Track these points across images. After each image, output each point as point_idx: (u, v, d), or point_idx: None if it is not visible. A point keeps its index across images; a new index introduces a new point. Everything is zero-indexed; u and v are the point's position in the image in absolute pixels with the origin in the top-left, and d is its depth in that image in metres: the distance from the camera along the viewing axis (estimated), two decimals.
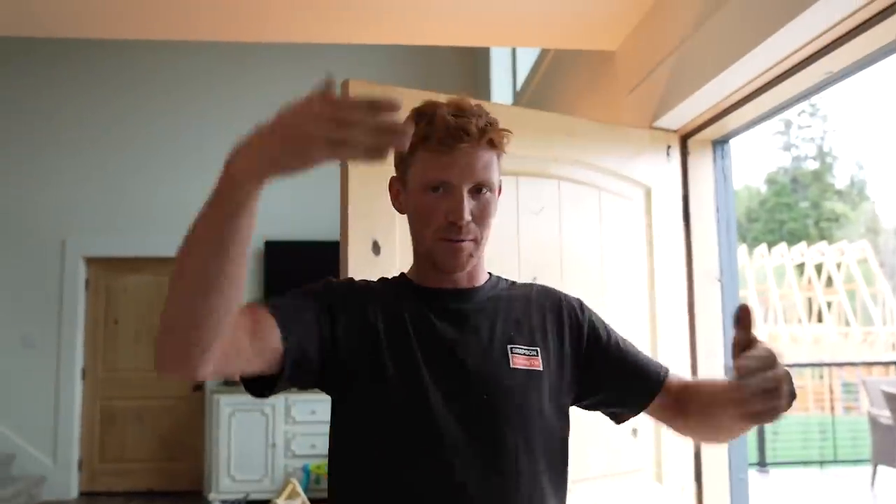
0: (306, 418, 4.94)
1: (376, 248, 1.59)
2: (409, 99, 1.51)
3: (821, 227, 24.13)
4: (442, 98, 1.05)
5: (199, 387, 5.51)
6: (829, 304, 13.12)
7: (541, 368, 1.04)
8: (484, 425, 0.99)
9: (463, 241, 1.01)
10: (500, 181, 1.05)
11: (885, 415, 5.51)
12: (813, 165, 25.93)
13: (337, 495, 1.03)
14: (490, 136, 1.01)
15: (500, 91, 4.86)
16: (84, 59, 5.60)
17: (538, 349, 1.05)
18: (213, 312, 0.76)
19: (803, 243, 14.05)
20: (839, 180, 26.38)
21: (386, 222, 1.59)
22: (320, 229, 5.36)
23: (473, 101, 1.04)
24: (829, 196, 25.45)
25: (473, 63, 5.62)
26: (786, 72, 1.66)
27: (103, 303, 5.58)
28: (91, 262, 5.56)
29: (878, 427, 5.64)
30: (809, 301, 13.32)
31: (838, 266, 13.22)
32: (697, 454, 2.05)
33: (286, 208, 5.59)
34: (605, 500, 1.87)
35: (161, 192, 5.59)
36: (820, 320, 13.10)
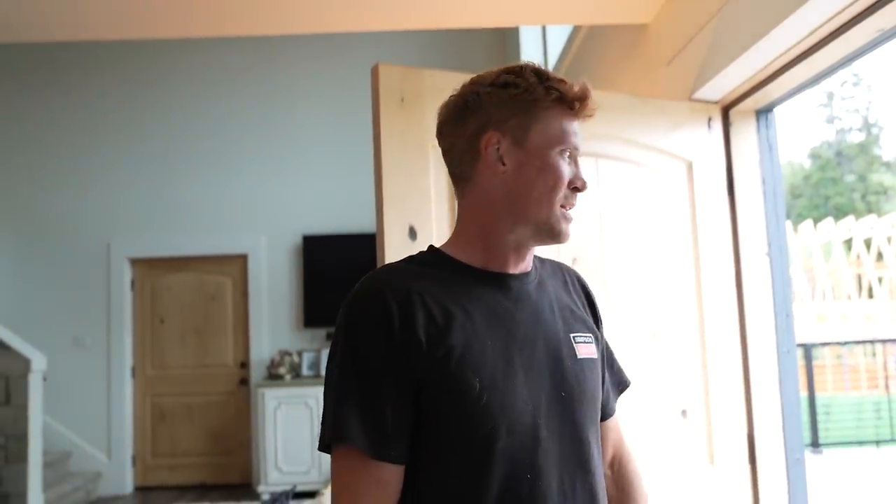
0: None
1: (412, 233, 1.57)
2: (439, 80, 1.46)
3: (868, 201, 23.30)
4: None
5: (244, 381, 5.61)
6: (880, 280, 12.67)
7: (597, 356, 0.99)
8: (565, 423, 0.92)
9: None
10: None
11: None
12: (858, 137, 25.01)
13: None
14: (592, 113, 0.97)
15: None
16: (124, 65, 5.72)
17: (591, 335, 1.00)
18: None
19: (850, 218, 13.58)
20: (886, 151, 25.41)
21: (421, 207, 1.57)
22: (357, 222, 5.39)
23: None
24: (876, 168, 24.53)
25: (503, 42, 5.55)
26: (833, 32, 1.58)
27: (149, 302, 5.71)
28: (135, 262, 5.69)
29: None
30: (859, 277, 12.88)
31: (889, 240, 12.75)
32: (751, 435, 1.99)
33: (323, 203, 5.64)
34: (656, 483, 1.83)
35: (199, 193, 5.68)
36: (871, 296, 12.67)
